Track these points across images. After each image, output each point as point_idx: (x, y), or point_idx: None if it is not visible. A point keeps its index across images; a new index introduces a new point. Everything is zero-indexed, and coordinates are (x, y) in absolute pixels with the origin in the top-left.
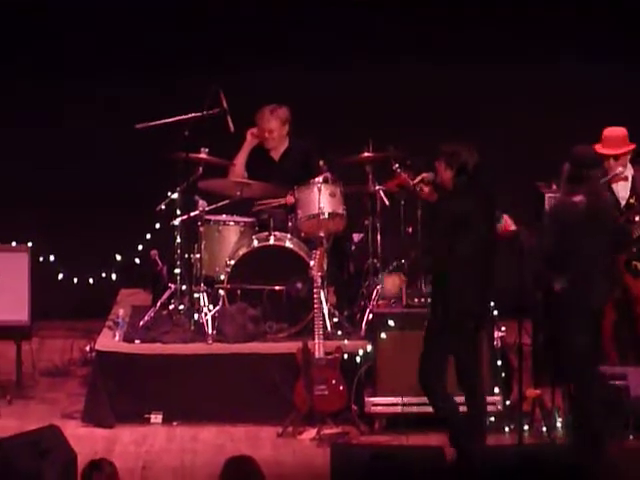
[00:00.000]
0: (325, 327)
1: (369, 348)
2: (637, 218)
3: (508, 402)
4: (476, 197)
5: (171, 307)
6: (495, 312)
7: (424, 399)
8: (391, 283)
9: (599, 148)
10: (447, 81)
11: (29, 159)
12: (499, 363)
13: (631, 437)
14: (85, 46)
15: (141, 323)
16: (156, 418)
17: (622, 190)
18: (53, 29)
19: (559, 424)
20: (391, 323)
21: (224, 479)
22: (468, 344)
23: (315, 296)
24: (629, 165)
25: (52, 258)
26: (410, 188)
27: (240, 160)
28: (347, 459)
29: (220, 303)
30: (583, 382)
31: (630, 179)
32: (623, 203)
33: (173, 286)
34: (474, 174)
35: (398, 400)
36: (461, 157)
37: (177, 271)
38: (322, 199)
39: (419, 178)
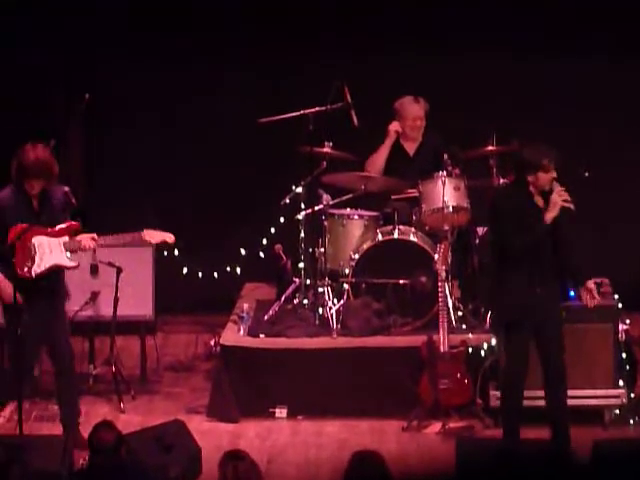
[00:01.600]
0: (450, 321)
1: (494, 342)
2: None
3: (632, 395)
4: None
5: (295, 301)
6: (620, 305)
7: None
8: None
9: None
10: (572, 78)
11: (157, 157)
12: (623, 356)
13: None
14: (210, 42)
15: (266, 317)
16: (281, 412)
17: None
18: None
19: None
20: None
21: (350, 474)
22: None
23: (440, 290)
24: None
25: (176, 253)
26: None
27: (382, 155)
28: (472, 453)
29: (344, 297)
30: None
31: None
32: None
33: (297, 280)
34: None
35: (524, 394)
36: None
37: (301, 265)
38: (446, 193)
39: None
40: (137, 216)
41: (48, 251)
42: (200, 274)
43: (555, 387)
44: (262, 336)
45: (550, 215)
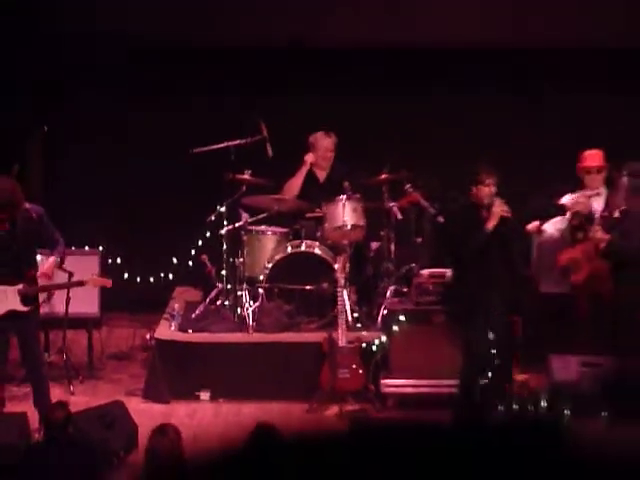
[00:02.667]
0: (347, 320)
1: (384, 338)
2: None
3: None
4: None
5: (218, 303)
6: None
7: (431, 381)
8: None
9: (582, 165)
10: (450, 115)
11: (103, 179)
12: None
13: None
14: (156, 86)
15: (193, 316)
16: (205, 395)
17: (596, 203)
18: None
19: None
20: (402, 318)
21: (251, 440)
22: None
23: (339, 294)
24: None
25: (119, 260)
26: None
27: (298, 181)
28: (363, 429)
29: (259, 300)
30: None
31: (604, 195)
32: (597, 215)
33: (220, 285)
34: None
35: (408, 382)
36: None
37: (223, 272)
38: (346, 213)
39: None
40: (87, 231)
41: (4, 298)
42: (138, 279)
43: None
44: (190, 331)
45: (490, 224)
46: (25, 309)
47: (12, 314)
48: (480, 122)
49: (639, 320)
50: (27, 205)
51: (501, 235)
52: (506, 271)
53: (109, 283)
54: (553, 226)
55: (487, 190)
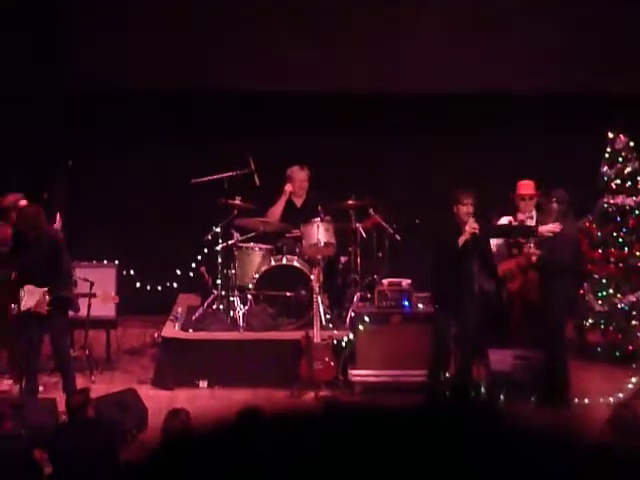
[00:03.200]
0: (321, 321)
1: (351, 336)
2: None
3: (447, 375)
4: None
5: (214, 307)
6: None
7: (391, 371)
8: None
9: (517, 193)
10: (398, 153)
11: (119, 205)
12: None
13: None
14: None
15: (193, 318)
16: (203, 384)
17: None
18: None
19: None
20: (366, 319)
21: (237, 419)
22: None
23: (314, 300)
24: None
25: (132, 272)
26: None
27: (279, 207)
28: (333, 409)
29: (248, 304)
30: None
31: (535, 218)
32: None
33: (216, 292)
34: None
35: (371, 372)
36: None
37: (219, 281)
38: (319, 233)
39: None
40: (106, 248)
41: (33, 295)
42: (148, 287)
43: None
44: (191, 330)
45: (461, 239)
46: (45, 311)
47: (37, 314)
48: (426, 159)
49: (561, 321)
50: (54, 225)
51: (474, 246)
52: (479, 274)
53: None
54: (493, 242)
55: (465, 209)
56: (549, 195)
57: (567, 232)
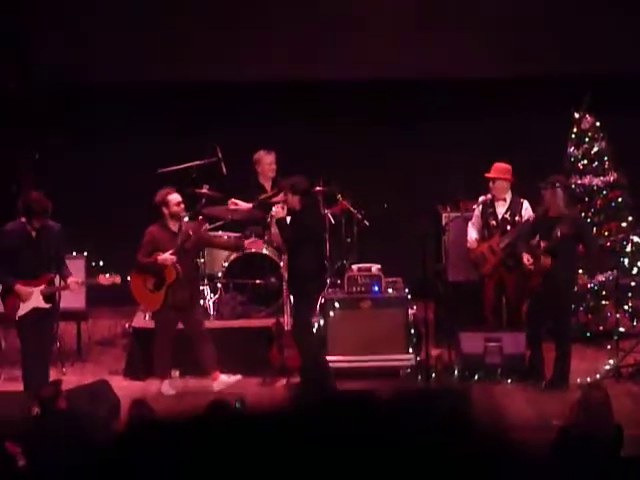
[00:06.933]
0: (291, 308)
1: (322, 322)
2: (508, 227)
3: (418, 358)
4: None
5: None
6: (409, 296)
7: (361, 357)
8: None
9: (491, 174)
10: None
11: (86, 195)
12: (412, 331)
13: None
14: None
15: None
16: (175, 373)
17: (500, 207)
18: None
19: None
20: (337, 305)
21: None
22: None
23: (284, 287)
24: (509, 191)
25: (101, 263)
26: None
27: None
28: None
29: (218, 292)
30: None
31: (508, 201)
32: (500, 217)
33: None
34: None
35: (342, 358)
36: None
37: None
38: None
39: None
40: (74, 239)
41: (32, 297)
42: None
43: None
44: None
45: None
46: (47, 306)
47: (36, 310)
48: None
49: (571, 308)
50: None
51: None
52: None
53: (118, 279)
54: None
55: None
56: (552, 182)
57: (576, 218)
